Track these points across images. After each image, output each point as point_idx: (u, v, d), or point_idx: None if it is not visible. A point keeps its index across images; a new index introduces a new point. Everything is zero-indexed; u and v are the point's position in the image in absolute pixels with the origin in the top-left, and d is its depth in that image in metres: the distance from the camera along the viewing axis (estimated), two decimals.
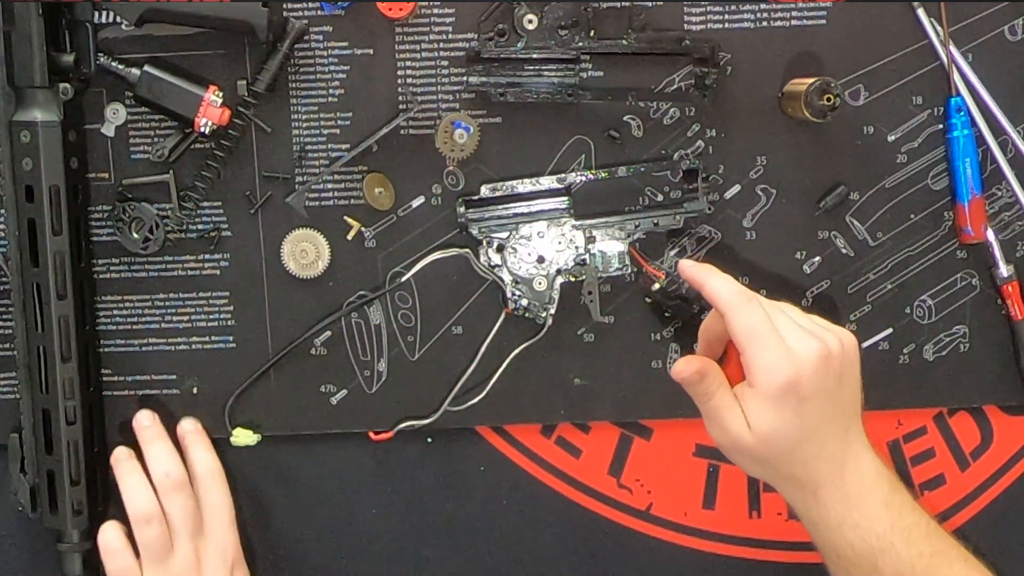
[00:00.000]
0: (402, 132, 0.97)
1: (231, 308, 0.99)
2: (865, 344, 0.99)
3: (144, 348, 1.00)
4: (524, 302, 0.98)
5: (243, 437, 0.99)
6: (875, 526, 0.82)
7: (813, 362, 0.80)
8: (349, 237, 0.98)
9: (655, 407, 1.00)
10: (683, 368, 0.83)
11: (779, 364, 0.80)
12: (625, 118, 0.97)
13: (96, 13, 0.94)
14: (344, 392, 1.00)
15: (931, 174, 0.98)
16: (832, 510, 0.82)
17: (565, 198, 0.97)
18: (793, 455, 0.82)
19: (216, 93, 0.94)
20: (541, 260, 0.97)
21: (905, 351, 0.99)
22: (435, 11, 0.96)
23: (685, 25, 0.96)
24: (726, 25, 0.96)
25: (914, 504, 0.84)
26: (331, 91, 0.97)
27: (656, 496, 1.03)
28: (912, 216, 0.98)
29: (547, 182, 0.97)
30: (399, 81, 0.97)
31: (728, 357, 0.85)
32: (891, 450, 1.02)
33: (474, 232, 0.97)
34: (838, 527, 0.82)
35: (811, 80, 0.91)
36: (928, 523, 0.83)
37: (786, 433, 0.81)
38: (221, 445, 1.00)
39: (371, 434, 1.00)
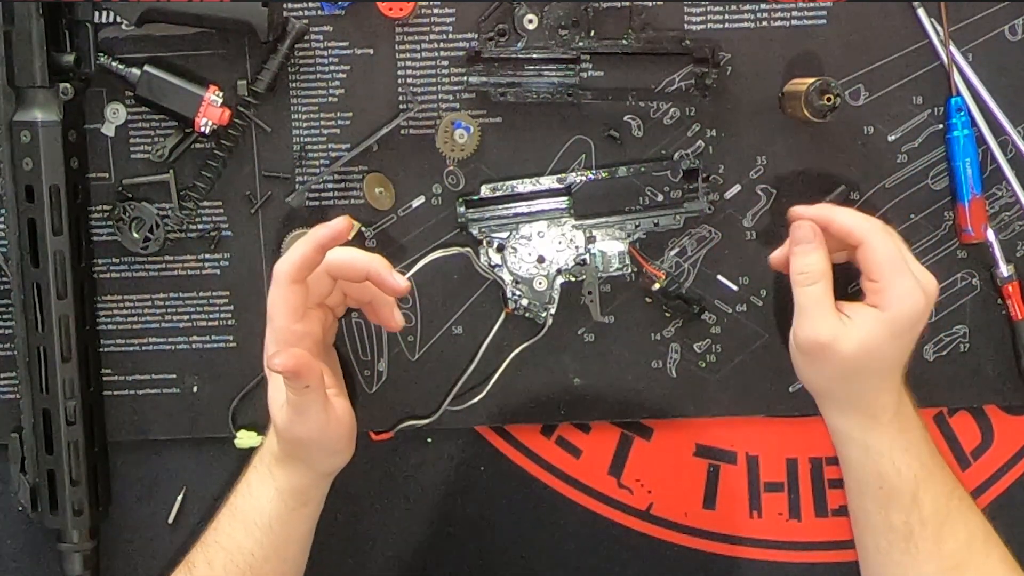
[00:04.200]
0: (402, 132, 0.97)
1: (231, 308, 0.99)
2: None
3: (144, 348, 1.00)
4: (524, 302, 0.98)
5: (247, 439, 0.99)
6: (921, 453, 0.85)
7: (933, 298, 0.84)
8: (349, 237, 0.98)
9: (655, 407, 1.00)
10: (778, 255, 0.88)
11: (914, 294, 0.82)
12: (625, 118, 0.97)
13: (96, 13, 0.94)
14: None
15: (931, 174, 0.98)
16: (886, 434, 0.85)
17: (565, 198, 0.97)
18: (879, 379, 0.84)
19: (216, 93, 0.94)
20: (541, 260, 0.97)
21: None
22: (435, 11, 0.96)
23: (685, 25, 0.96)
24: (726, 25, 0.96)
25: (939, 453, 0.88)
26: (331, 91, 0.97)
27: (656, 496, 1.03)
28: (912, 216, 0.98)
29: (547, 182, 0.97)
30: (399, 81, 0.97)
31: None
32: None
33: (474, 232, 0.97)
34: (889, 450, 0.84)
35: (811, 80, 0.91)
36: (951, 474, 0.88)
37: (886, 358, 0.84)
38: (224, 446, 1.00)
39: (371, 434, 1.00)
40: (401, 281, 0.87)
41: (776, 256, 0.90)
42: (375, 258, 0.87)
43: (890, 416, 0.85)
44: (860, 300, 0.85)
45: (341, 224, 0.85)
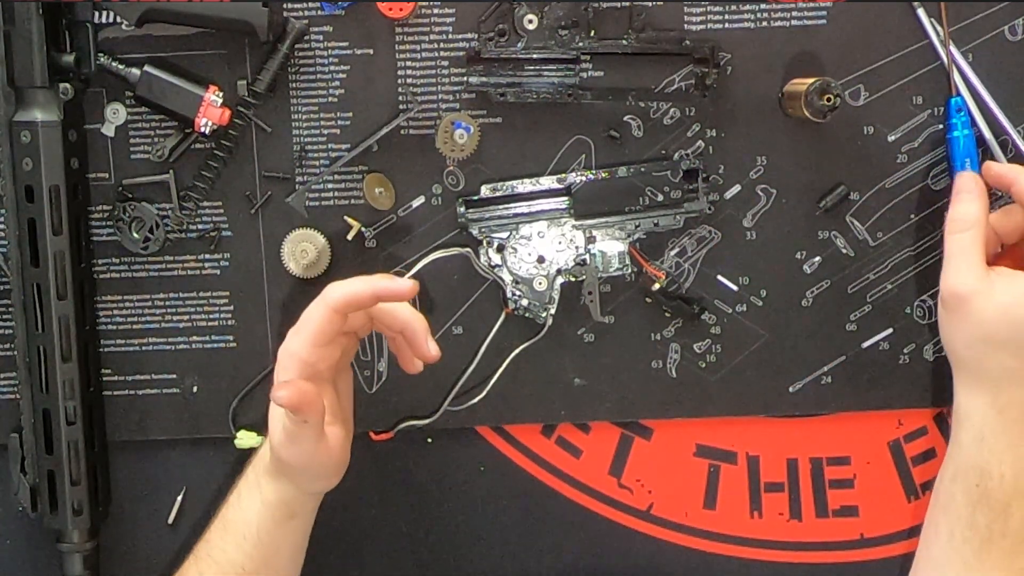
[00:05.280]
0: (402, 132, 0.97)
1: (231, 308, 0.99)
2: (865, 344, 0.99)
3: (144, 348, 1.00)
4: (524, 302, 0.98)
5: (247, 439, 0.99)
6: None
7: None
8: (349, 237, 0.98)
9: (655, 407, 1.00)
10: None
11: None
12: (625, 118, 0.97)
13: (96, 13, 0.94)
14: None
15: (931, 174, 0.98)
16: (1005, 433, 0.83)
17: (565, 198, 0.97)
18: (1014, 360, 0.82)
19: (216, 93, 0.94)
20: (541, 260, 0.97)
21: (905, 351, 0.99)
22: (435, 11, 0.96)
23: (685, 25, 0.96)
24: (726, 25, 0.96)
25: None
26: (331, 91, 0.97)
27: (656, 496, 1.03)
28: (912, 216, 0.98)
29: (547, 182, 0.97)
30: (399, 81, 0.97)
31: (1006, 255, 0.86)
32: (891, 450, 1.02)
33: (474, 232, 0.97)
34: (1002, 452, 0.83)
35: (811, 80, 0.91)
36: None
37: None
38: (224, 447, 1.00)
39: (371, 434, 1.00)
40: (434, 350, 0.87)
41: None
42: (418, 318, 0.87)
43: (1016, 415, 0.82)
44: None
45: (406, 287, 0.85)
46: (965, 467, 0.84)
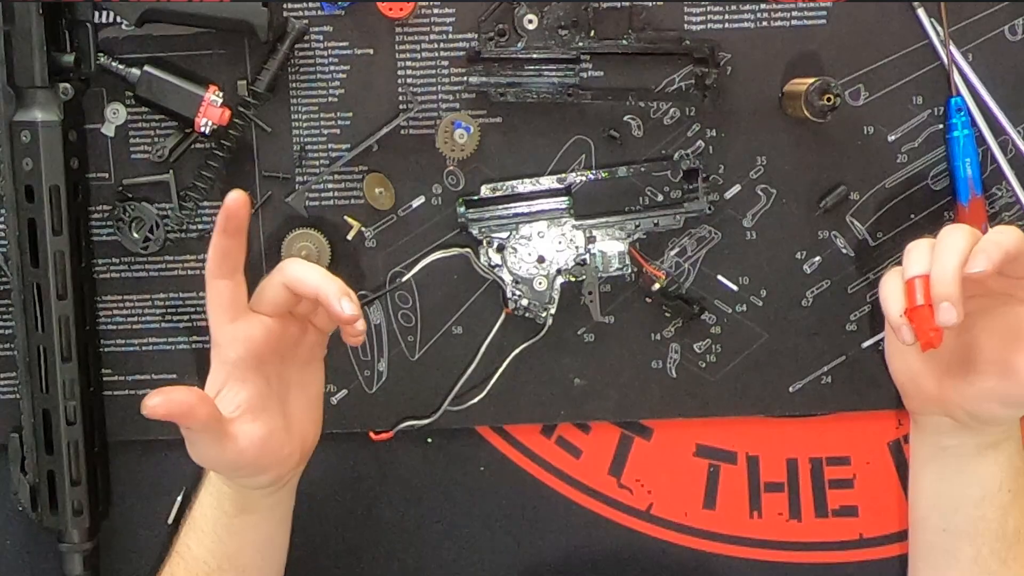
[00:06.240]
0: (402, 132, 0.97)
1: None
2: (865, 344, 0.99)
3: (144, 348, 1.00)
4: (524, 302, 0.98)
5: None
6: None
7: None
8: (349, 237, 0.98)
9: (655, 407, 1.00)
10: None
11: None
12: (625, 118, 0.97)
13: (96, 13, 0.94)
14: (344, 392, 1.00)
15: (931, 174, 0.98)
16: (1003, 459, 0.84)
17: (565, 198, 0.97)
18: (994, 420, 0.82)
19: (216, 93, 0.94)
20: (541, 260, 0.97)
21: None
22: (435, 11, 0.96)
23: (685, 25, 0.96)
24: (726, 25, 0.96)
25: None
26: (331, 91, 0.97)
27: (656, 496, 1.03)
28: (912, 216, 0.98)
29: (547, 182, 0.97)
30: (399, 81, 0.97)
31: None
32: (891, 450, 1.02)
33: (474, 232, 0.97)
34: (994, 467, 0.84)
35: (811, 80, 0.91)
36: None
37: (999, 414, 0.82)
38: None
39: (371, 434, 1.00)
40: (348, 308, 0.80)
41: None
42: (328, 280, 0.81)
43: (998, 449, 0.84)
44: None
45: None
46: (991, 487, 0.84)
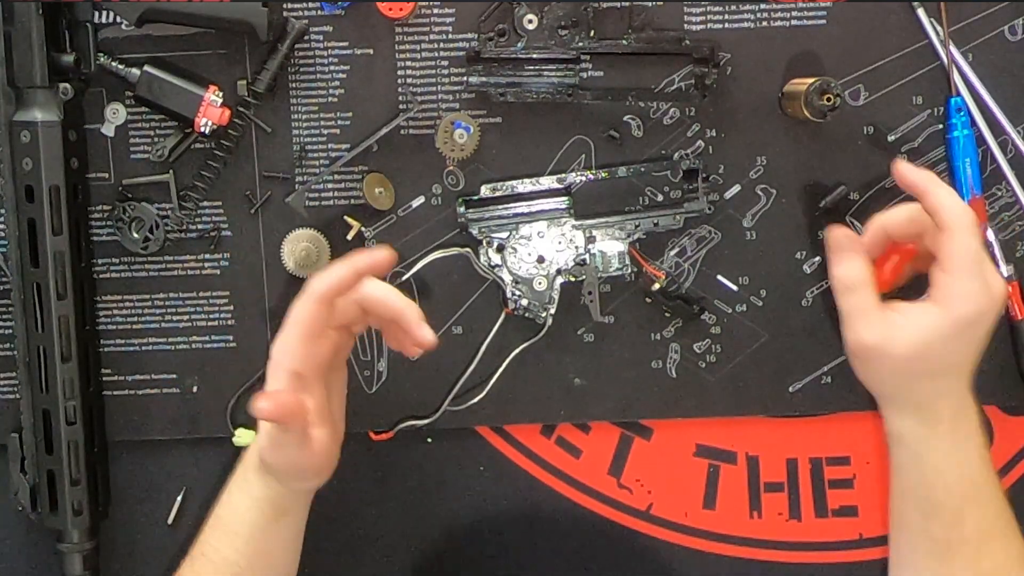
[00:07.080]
0: (402, 132, 0.97)
1: (231, 308, 0.99)
2: None
3: (144, 348, 1.00)
4: (524, 302, 0.98)
5: (245, 437, 0.99)
6: (972, 470, 0.82)
7: (1000, 303, 0.81)
8: (349, 237, 0.98)
9: (655, 407, 1.00)
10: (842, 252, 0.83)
11: (980, 298, 0.79)
12: (625, 118, 0.97)
13: (96, 13, 0.94)
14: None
15: None
16: (940, 446, 0.82)
17: (565, 198, 0.97)
18: (937, 381, 0.82)
19: (216, 93, 0.94)
20: (541, 260, 0.97)
21: None
22: (435, 11, 0.96)
23: (685, 25, 0.96)
24: (726, 25, 0.96)
25: (993, 468, 0.85)
26: (331, 91, 0.97)
27: (656, 496, 1.03)
28: None
29: (547, 182, 0.97)
30: (399, 81, 0.97)
31: (883, 260, 0.84)
32: None
33: (474, 232, 0.97)
34: (941, 464, 0.82)
35: (811, 80, 0.91)
36: (1002, 491, 0.85)
37: (944, 359, 0.81)
38: (224, 446, 1.00)
39: (371, 434, 1.00)
40: (428, 336, 0.85)
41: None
42: (409, 305, 0.85)
43: (947, 426, 0.82)
44: (922, 296, 0.82)
45: (381, 254, 0.85)
46: (910, 485, 0.84)
